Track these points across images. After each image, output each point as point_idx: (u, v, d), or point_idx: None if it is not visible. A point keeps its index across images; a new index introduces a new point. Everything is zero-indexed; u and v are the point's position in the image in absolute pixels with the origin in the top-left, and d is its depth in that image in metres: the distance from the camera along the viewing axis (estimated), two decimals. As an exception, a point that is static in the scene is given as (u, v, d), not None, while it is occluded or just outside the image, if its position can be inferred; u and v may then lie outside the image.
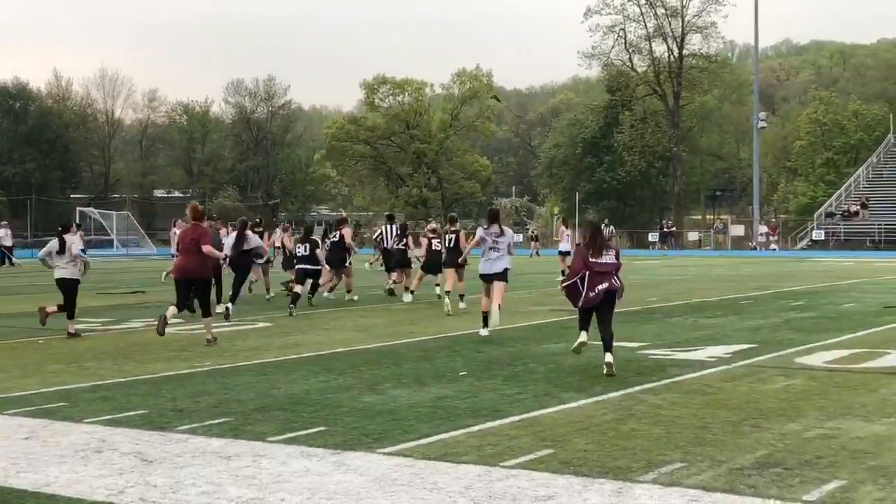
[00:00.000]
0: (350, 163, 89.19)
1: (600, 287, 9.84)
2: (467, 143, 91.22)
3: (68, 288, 14.40)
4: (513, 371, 10.28)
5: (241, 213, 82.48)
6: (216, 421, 7.78)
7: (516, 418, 7.75)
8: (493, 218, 13.88)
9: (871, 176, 66.16)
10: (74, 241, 14.72)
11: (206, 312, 13.03)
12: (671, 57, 77.56)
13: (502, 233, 13.58)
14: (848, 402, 8.27)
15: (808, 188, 73.44)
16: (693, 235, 69.70)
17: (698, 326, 14.79)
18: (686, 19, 76.78)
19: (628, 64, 79.55)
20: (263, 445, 6.93)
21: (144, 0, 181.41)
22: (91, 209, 65.00)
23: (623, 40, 78.34)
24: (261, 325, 15.81)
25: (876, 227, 56.72)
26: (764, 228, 62.70)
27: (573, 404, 8.34)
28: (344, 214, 31.68)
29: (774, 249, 58.71)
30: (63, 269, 14.37)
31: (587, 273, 9.87)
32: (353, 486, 5.83)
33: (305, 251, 19.06)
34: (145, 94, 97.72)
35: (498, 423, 7.57)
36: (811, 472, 5.97)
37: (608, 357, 9.87)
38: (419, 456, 6.52)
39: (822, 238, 57.83)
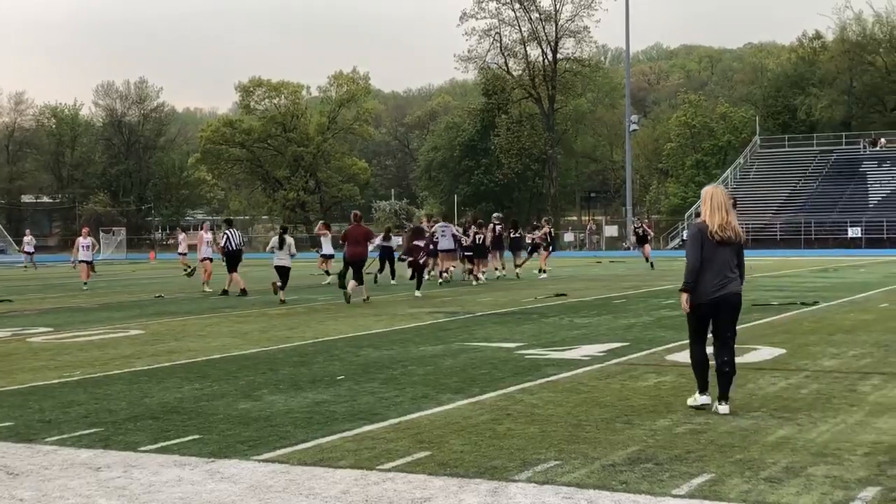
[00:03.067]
0: (226, 166, 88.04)
1: None
2: (345, 145, 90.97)
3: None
4: (391, 374, 10.28)
5: (113, 219, 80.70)
6: (86, 431, 7.57)
7: (394, 421, 7.74)
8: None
9: (738, 177, 68.30)
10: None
11: (360, 281, 20.44)
12: (545, 61, 78.79)
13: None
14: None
15: (678, 189, 75.43)
16: (569, 236, 70.84)
17: (573, 326, 15.02)
18: (560, 24, 78.10)
19: (504, 67, 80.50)
20: (135, 455, 6.77)
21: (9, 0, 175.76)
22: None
23: (499, 44, 79.24)
24: (133, 332, 15.46)
25: (744, 226, 58.48)
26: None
27: (450, 406, 8.37)
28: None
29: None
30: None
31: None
32: (228, 495, 5.74)
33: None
34: (11, 96, 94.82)
35: (375, 426, 7.55)
36: (681, 467, 6.12)
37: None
38: (295, 462, 6.46)
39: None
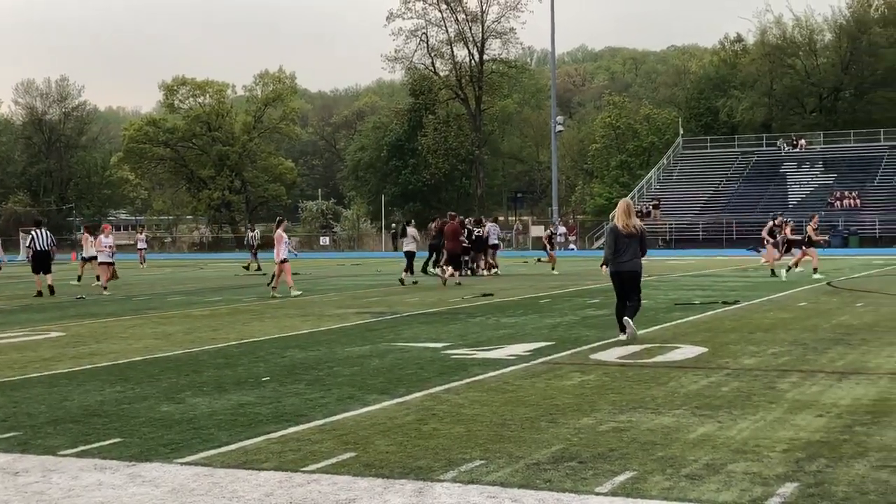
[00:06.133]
0: (149, 165, 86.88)
1: None
2: (272, 145, 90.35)
3: None
4: (317, 375, 10.22)
5: (32, 219, 79.03)
6: (3, 436, 7.41)
7: (319, 422, 7.70)
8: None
9: (662, 177, 69.23)
10: None
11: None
12: (472, 61, 79.09)
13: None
14: (639, 396, 8.60)
15: (603, 189, 76.29)
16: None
17: (500, 326, 15.09)
18: (486, 25, 78.52)
19: (431, 68, 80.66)
20: (54, 459, 6.64)
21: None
22: None
23: (425, 44, 79.34)
24: (53, 334, 15.17)
25: (667, 226, 59.28)
26: (563, 229, 64.63)
27: (376, 406, 8.36)
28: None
29: (573, 249, 60.59)
30: None
31: None
32: (149, 499, 5.66)
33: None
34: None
35: (300, 428, 7.50)
36: (604, 465, 6.18)
37: None
38: (218, 465, 6.39)
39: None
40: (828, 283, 23.34)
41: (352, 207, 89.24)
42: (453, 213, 28.98)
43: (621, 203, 12.92)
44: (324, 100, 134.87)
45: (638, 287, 12.70)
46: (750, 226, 57.70)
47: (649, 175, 69.07)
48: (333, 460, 6.43)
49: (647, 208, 60.64)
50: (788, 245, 28.85)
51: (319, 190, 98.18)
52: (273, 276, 23.30)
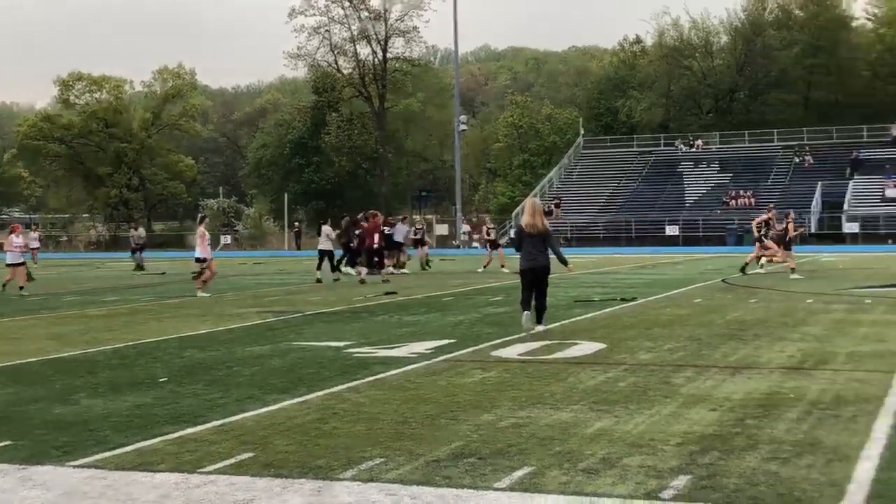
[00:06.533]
0: (44, 163, 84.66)
1: None
2: (171, 142, 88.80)
3: None
4: (216, 375, 10.10)
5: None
6: None
7: (217, 423, 7.61)
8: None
9: (563, 176, 70.01)
10: None
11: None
12: (375, 60, 78.93)
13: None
14: (539, 392, 8.69)
15: (506, 188, 76.88)
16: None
17: (402, 324, 15.10)
18: (389, 23, 78.42)
19: (334, 66, 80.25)
20: (-60, 466, 6.44)
21: None
22: None
23: (328, 42, 78.92)
24: (-58, 336, 14.70)
25: (568, 225, 59.97)
26: (466, 227, 64.96)
27: (276, 406, 8.29)
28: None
29: (476, 247, 60.84)
30: None
31: None
32: (41, 502, 5.52)
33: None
34: None
35: (198, 428, 7.40)
36: (502, 461, 6.23)
37: None
38: (113, 467, 6.27)
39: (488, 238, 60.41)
40: (723, 280, 23.88)
41: (254, 206, 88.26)
42: (374, 211, 29.27)
43: (527, 203, 13.71)
44: (225, 97, 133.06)
45: (545, 283, 13.29)
46: (648, 224, 58.76)
47: (551, 174, 69.78)
48: (231, 461, 6.36)
49: (548, 207, 61.21)
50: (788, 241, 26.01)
51: (221, 188, 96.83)
52: (196, 274, 23.04)
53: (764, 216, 27.04)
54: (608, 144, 73.68)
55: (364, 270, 26.76)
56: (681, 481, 5.68)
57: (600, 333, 13.11)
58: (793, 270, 24.70)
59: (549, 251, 13.29)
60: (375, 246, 27.18)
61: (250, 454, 6.53)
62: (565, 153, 73.37)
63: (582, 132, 75.08)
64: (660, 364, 10.28)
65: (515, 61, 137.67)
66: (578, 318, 15.37)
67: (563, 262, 13.50)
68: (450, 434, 7.05)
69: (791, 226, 26.16)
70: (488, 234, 33.22)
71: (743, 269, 25.85)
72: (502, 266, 29.56)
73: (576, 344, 11.97)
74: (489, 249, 32.23)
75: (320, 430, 7.25)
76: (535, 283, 13.17)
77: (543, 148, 78.48)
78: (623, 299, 18.61)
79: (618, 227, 59.80)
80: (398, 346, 12.09)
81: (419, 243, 35.05)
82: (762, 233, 26.36)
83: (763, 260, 27.43)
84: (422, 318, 15.88)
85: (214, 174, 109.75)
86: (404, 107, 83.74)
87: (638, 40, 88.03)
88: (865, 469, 5.86)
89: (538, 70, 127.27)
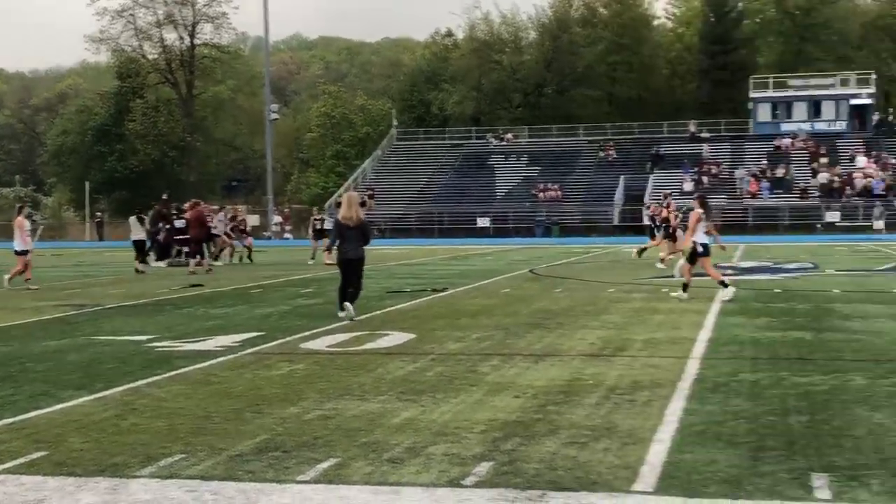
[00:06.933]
0: None
1: None
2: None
3: None
4: (7, 372, 9.62)
5: None
6: None
7: (8, 421, 7.25)
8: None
9: (376, 168, 70.13)
10: None
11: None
12: (183, 45, 77.04)
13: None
14: (347, 383, 8.66)
15: (319, 179, 76.49)
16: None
17: (208, 317, 14.78)
18: (197, 8, 76.70)
19: (139, 51, 77.88)
20: None
21: None
22: None
23: (133, 26, 76.50)
24: None
25: (381, 216, 60.12)
26: (278, 218, 64.27)
27: (72, 403, 7.96)
28: None
29: (288, 238, 60.33)
30: None
31: None
32: None
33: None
34: None
35: (-14, 428, 7.03)
36: (308, 453, 6.17)
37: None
38: None
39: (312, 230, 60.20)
40: (530, 271, 24.44)
41: (53, 195, 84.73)
42: (196, 200, 29.06)
43: (345, 196, 14.50)
44: (22, 81, 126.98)
45: (360, 273, 14.11)
46: (460, 216, 59.58)
47: (364, 165, 69.79)
48: (22, 460, 6.08)
49: (362, 198, 61.30)
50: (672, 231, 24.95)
51: (17, 176, 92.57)
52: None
53: (663, 210, 26.45)
54: (421, 136, 74.24)
55: (193, 262, 26.21)
56: (483, 468, 5.76)
57: (410, 324, 13.18)
58: (662, 260, 24.37)
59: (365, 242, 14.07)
60: (199, 236, 26.79)
61: (43, 453, 6.25)
62: (378, 144, 73.52)
63: (395, 124, 75.38)
64: (467, 353, 10.41)
65: (328, 51, 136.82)
66: (390, 308, 15.41)
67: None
68: (254, 428, 6.94)
69: (670, 214, 25.36)
70: (315, 225, 32.81)
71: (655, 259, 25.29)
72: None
73: (386, 335, 11.99)
74: (313, 240, 31.67)
75: (118, 427, 7.01)
76: (351, 272, 13.95)
77: (357, 139, 78.45)
78: (434, 290, 18.77)
79: (430, 219, 60.37)
80: (203, 340, 11.82)
81: (242, 234, 33.93)
82: (660, 224, 26.16)
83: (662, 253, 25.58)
84: (229, 311, 15.59)
85: (10, 162, 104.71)
86: (213, 94, 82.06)
87: (450, 33, 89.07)
88: (657, 451, 6.09)
89: (351, 60, 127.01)
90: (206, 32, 77.65)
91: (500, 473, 5.65)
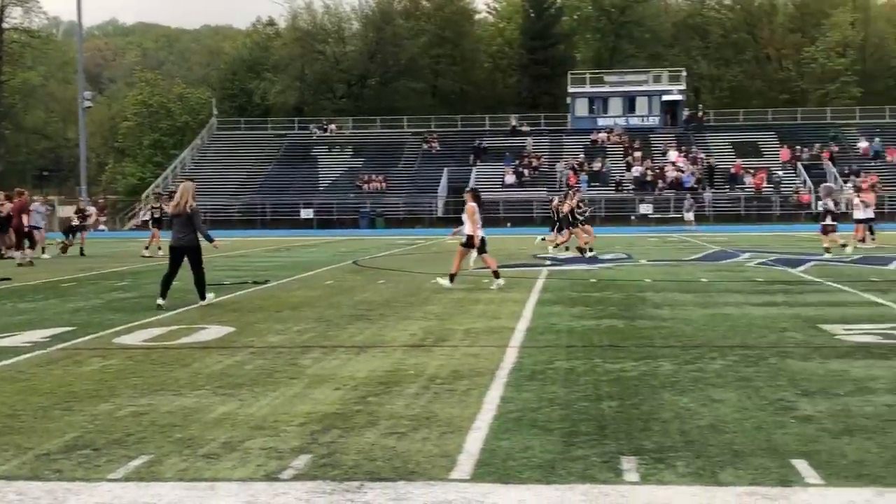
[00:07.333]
0: None
1: None
2: None
3: None
4: None
5: None
6: None
7: None
8: None
9: (196, 158, 68.68)
10: None
11: None
12: (-9, 29, 73.61)
13: None
14: (162, 379, 8.44)
15: (136, 169, 74.44)
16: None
17: (16, 311, 14.16)
18: (6, -10, 73.30)
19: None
20: None
21: None
22: None
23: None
24: None
25: (203, 207, 58.82)
26: (92, 209, 61.96)
27: None
28: None
29: (104, 230, 58.43)
30: None
31: None
32: None
33: None
34: None
35: None
36: (119, 450, 5.99)
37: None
38: None
39: (149, 218, 58.68)
40: (354, 263, 24.42)
41: None
42: (21, 190, 28.14)
43: (181, 186, 14.69)
44: None
45: (197, 261, 14.39)
46: (284, 207, 59.00)
47: (183, 155, 68.27)
48: None
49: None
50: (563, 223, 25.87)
51: None
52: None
53: (564, 205, 26.51)
54: (242, 126, 73.12)
55: (19, 254, 25.55)
56: (301, 461, 5.72)
57: (229, 317, 12.97)
58: (556, 246, 25.63)
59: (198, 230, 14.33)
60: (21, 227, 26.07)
61: None
62: (198, 134, 72.01)
63: (216, 113, 74.01)
64: (288, 346, 10.31)
65: (146, 38, 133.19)
66: (208, 302, 15.09)
67: (209, 239, 14.44)
68: (63, 426, 6.69)
69: (567, 205, 25.88)
70: (153, 214, 31.73)
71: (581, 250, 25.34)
72: (159, 248, 28.49)
73: (203, 328, 11.75)
74: (154, 228, 30.62)
75: (-86, 429, 6.63)
76: (180, 260, 14.33)
77: (175, 128, 76.72)
78: (255, 282, 18.52)
79: (253, 210, 59.62)
80: (10, 335, 11.32)
81: (81, 226, 32.68)
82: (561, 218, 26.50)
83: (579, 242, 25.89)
84: (39, 305, 14.97)
85: None
86: (23, 80, 78.68)
87: (272, 22, 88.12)
88: (475, 439, 6.18)
89: (170, 48, 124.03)
90: (14, 16, 74.41)
91: (318, 466, 5.62)
